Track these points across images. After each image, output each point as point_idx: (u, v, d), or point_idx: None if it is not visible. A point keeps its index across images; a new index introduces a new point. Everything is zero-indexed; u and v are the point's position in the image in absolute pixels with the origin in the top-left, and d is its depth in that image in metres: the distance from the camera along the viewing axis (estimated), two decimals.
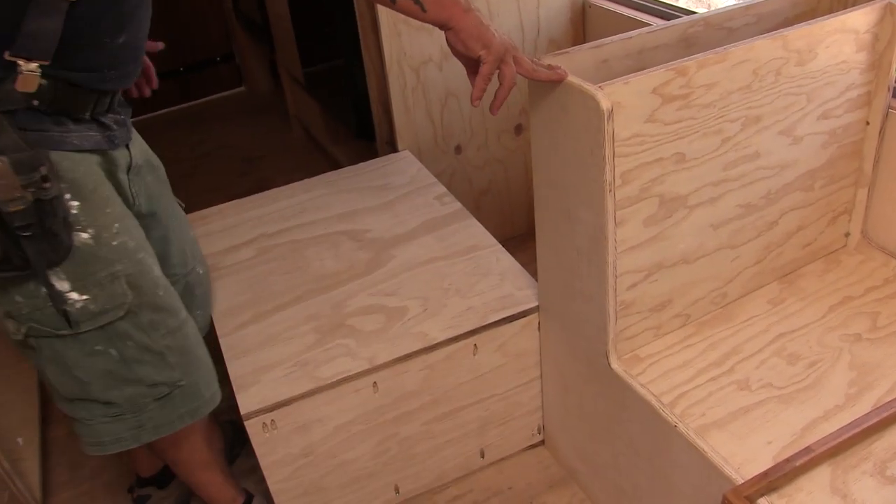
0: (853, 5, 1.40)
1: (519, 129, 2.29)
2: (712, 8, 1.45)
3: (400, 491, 1.69)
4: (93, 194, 1.15)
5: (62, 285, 1.14)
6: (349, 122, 2.57)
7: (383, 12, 1.95)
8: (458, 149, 2.23)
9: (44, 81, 1.06)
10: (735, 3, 1.46)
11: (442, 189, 1.96)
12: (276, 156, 3.35)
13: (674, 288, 1.40)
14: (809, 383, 1.31)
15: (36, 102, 1.06)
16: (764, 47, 1.28)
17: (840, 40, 1.35)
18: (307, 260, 1.76)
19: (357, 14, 2.09)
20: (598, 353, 1.39)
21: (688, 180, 1.30)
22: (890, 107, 1.45)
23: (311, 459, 1.52)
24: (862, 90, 1.44)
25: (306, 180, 2.07)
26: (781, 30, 1.31)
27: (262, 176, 3.16)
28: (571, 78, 1.19)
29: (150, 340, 1.25)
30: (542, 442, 1.79)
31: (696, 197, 1.33)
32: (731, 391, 1.32)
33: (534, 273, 1.55)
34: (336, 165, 2.34)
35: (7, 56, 1.03)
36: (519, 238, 2.41)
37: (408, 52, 2.03)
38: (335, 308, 1.61)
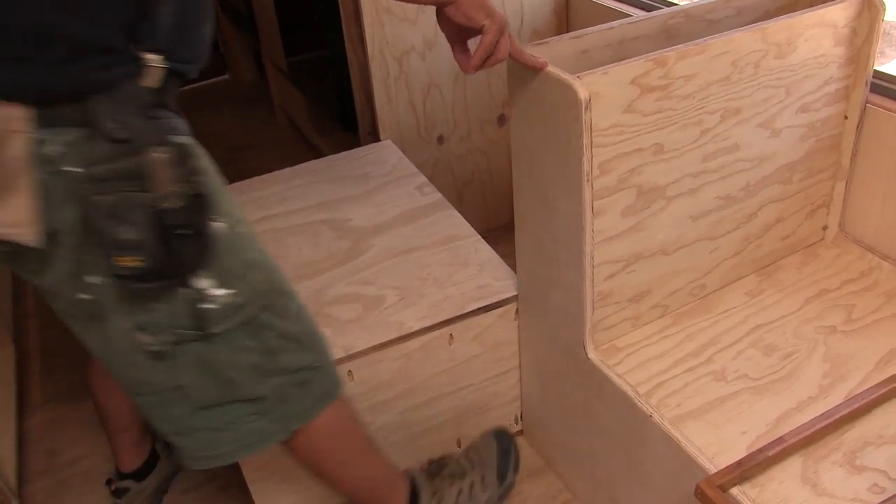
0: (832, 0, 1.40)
1: (502, 120, 2.28)
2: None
3: None
4: (216, 179, 1.08)
5: (202, 283, 1.05)
6: (333, 113, 2.56)
7: (366, 2, 1.94)
8: (440, 139, 2.23)
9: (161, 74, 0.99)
10: None
11: (423, 179, 1.96)
12: (261, 146, 3.33)
13: (652, 279, 1.40)
14: (784, 374, 1.32)
15: (155, 97, 0.99)
16: (743, 39, 1.28)
17: (819, 34, 1.36)
18: (286, 248, 1.75)
19: (340, 3, 2.09)
20: (576, 343, 1.39)
21: (666, 171, 1.30)
22: (867, 101, 1.45)
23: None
24: (840, 84, 1.44)
25: (287, 169, 2.06)
26: (761, 22, 1.31)
27: (247, 166, 3.14)
28: (550, 68, 1.19)
29: (286, 326, 1.17)
30: (521, 432, 1.80)
31: (675, 188, 1.33)
32: (707, 382, 1.33)
33: (514, 264, 1.55)
34: (320, 155, 2.33)
35: (138, 50, 0.96)
36: (502, 228, 2.40)
37: (390, 41, 2.02)
38: (313, 296, 1.61)
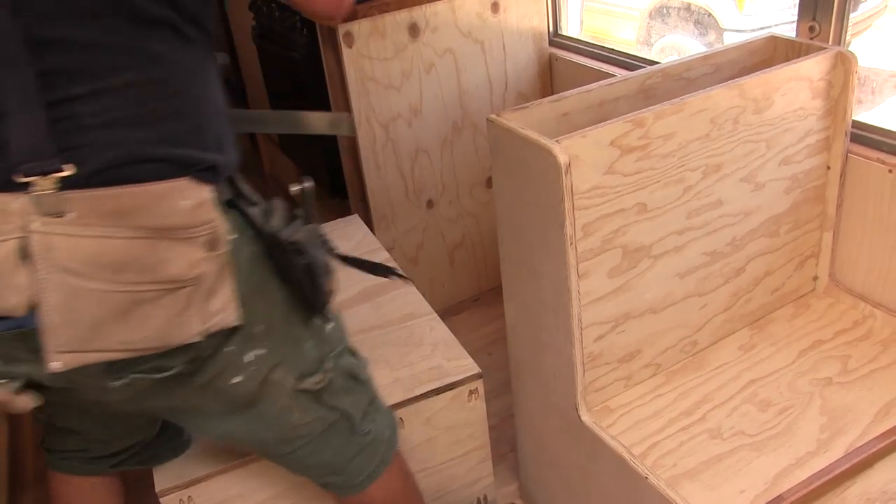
0: (806, 54, 1.42)
1: (490, 182, 2.30)
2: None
3: None
4: None
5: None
6: (323, 181, 2.58)
7: (351, 71, 1.97)
8: (429, 203, 2.24)
9: None
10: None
11: (385, 255, 1.90)
12: None
13: (642, 338, 1.39)
14: (781, 430, 1.30)
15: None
16: (721, 96, 1.29)
17: (795, 88, 1.37)
18: None
19: (326, 73, 2.11)
20: (568, 406, 1.37)
21: (651, 230, 1.30)
22: (849, 151, 1.46)
23: None
24: (821, 135, 1.45)
25: None
26: (737, 79, 1.33)
27: None
28: (529, 132, 1.19)
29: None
30: None
31: (661, 246, 1.33)
32: (702, 440, 1.31)
33: (505, 327, 1.54)
34: None
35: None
36: (495, 290, 2.40)
37: (376, 109, 2.05)
38: None
